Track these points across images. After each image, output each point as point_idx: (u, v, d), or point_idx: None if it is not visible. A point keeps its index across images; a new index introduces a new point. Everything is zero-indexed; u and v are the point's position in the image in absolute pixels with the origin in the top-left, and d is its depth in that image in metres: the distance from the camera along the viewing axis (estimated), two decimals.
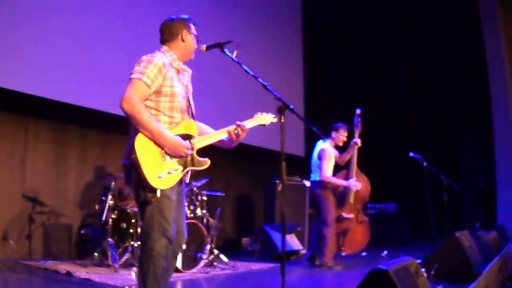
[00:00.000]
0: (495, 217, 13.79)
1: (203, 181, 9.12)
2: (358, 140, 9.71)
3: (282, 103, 4.41)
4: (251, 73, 4.56)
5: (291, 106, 4.43)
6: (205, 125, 4.88)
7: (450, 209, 10.15)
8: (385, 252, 11.57)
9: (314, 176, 9.70)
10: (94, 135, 10.61)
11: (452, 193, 10.29)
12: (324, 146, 9.61)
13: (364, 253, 11.09)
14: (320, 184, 9.54)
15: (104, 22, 9.87)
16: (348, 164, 9.77)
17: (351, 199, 9.64)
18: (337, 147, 9.81)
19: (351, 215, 9.65)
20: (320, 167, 9.47)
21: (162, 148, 4.33)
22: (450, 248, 7.42)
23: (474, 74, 14.67)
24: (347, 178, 9.67)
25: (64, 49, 9.17)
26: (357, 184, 9.59)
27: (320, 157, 9.52)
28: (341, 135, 9.70)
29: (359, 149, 9.76)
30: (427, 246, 10.29)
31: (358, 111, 9.79)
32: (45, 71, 8.91)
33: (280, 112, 4.41)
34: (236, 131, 4.72)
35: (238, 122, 4.74)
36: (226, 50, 4.66)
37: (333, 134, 9.70)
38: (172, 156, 4.38)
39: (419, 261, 5.82)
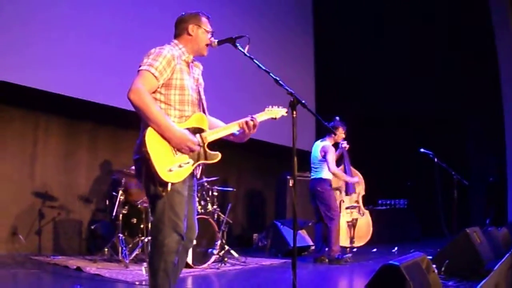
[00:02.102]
0: (506, 214, 13.77)
1: (214, 178, 9.12)
2: (345, 143, 10.11)
3: (294, 98, 4.39)
4: (263, 67, 4.54)
5: (303, 101, 4.41)
6: (216, 119, 4.86)
7: (461, 205, 10.16)
8: (396, 248, 11.57)
9: (316, 174, 9.87)
10: (105, 131, 10.62)
11: (463, 189, 10.29)
12: (326, 143, 9.82)
13: (374, 249, 11.09)
14: (323, 181, 9.73)
15: (116, 17, 9.87)
16: (342, 164, 10.18)
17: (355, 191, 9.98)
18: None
19: (358, 204, 9.92)
20: (326, 161, 9.65)
21: (169, 142, 4.31)
22: (461, 244, 7.42)
23: (484, 70, 14.64)
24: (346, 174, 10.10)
25: (75, 44, 9.17)
26: (357, 179, 10.19)
27: (325, 152, 9.68)
28: (340, 133, 9.86)
29: (351, 150, 10.24)
30: (438, 242, 10.28)
31: (337, 118, 10.05)
32: (56, 66, 8.91)
33: (292, 107, 4.39)
34: (247, 124, 4.70)
35: (250, 116, 4.72)
36: (238, 45, 4.64)
37: (335, 132, 9.80)
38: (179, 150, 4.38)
39: (429, 257, 5.82)
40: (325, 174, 9.70)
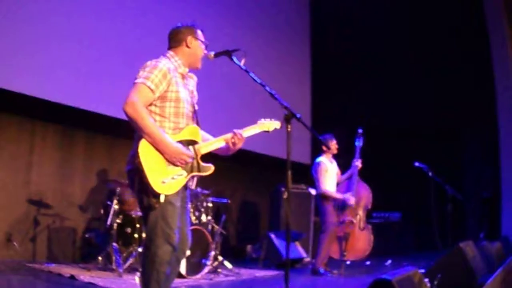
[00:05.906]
0: (500, 228, 13.76)
1: (209, 191, 9.16)
2: (359, 163, 9.86)
3: (289, 112, 4.41)
4: (259, 81, 4.56)
5: (298, 115, 4.43)
6: (205, 132, 4.88)
7: (455, 219, 10.16)
8: (389, 261, 11.56)
9: (317, 189, 9.86)
10: (100, 140, 10.63)
11: (457, 203, 10.30)
12: (319, 160, 9.83)
13: (368, 262, 11.08)
14: (319, 196, 9.78)
15: (113, 27, 9.90)
16: (349, 178, 9.89)
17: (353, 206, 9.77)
18: (337, 156, 9.92)
19: (351, 218, 9.71)
20: (317, 180, 9.71)
21: (163, 155, 4.33)
22: (454, 258, 7.41)
23: (480, 83, 14.65)
24: (347, 190, 9.78)
25: (72, 53, 9.20)
26: (352, 198, 9.70)
27: (315, 171, 9.75)
28: (332, 145, 9.84)
29: (347, 162, 10.05)
30: (431, 256, 10.25)
31: (360, 131, 9.91)
32: (53, 75, 8.94)
33: (286, 120, 4.42)
34: (233, 140, 4.71)
35: (235, 130, 4.74)
36: (234, 58, 4.66)
37: (324, 148, 9.76)
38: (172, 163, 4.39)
39: (422, 271, 5.83)
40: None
